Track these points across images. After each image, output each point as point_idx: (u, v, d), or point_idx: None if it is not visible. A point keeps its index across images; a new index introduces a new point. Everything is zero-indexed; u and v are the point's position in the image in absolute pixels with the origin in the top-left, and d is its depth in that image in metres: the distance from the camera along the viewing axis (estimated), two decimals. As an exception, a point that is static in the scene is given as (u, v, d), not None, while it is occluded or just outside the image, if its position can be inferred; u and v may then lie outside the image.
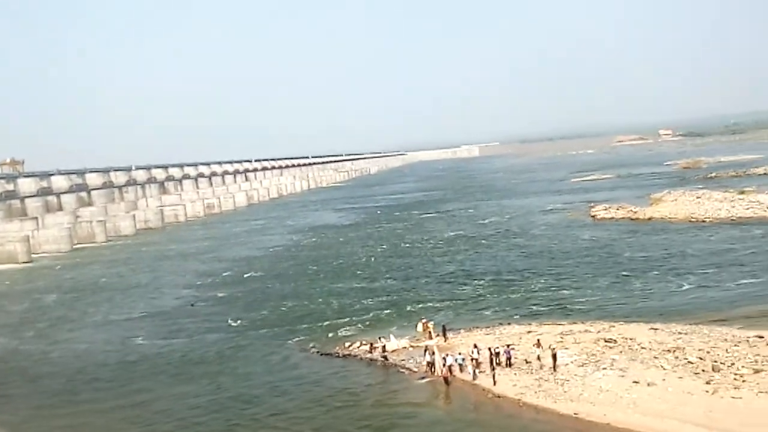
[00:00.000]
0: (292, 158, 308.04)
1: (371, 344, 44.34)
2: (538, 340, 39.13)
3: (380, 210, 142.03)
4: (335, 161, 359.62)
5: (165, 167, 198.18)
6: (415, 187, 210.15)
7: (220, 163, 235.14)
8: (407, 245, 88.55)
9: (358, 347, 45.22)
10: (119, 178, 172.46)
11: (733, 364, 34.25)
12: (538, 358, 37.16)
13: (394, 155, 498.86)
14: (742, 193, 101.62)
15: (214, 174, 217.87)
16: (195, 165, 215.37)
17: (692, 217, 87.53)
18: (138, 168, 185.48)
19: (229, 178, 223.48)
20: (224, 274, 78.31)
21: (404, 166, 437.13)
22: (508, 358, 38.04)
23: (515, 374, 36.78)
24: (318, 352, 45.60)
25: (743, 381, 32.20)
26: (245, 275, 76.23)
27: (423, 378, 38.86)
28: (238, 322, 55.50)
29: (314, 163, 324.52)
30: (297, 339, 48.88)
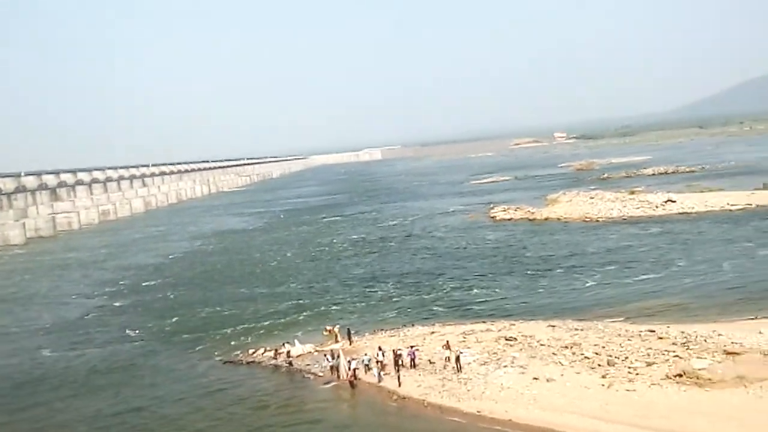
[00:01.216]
0: (191, 162, 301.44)
1: (276, 350, 43.90)
2: (448, 342, 39.65)
3: (285, 214, 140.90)
4: (237, 165, 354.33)
5: (57, 173, 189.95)
6: (318, 191, 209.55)
7: (115, 168, 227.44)
8: (313, 249, 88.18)
9: (263, 354, 44.65)
10: (7, 184, 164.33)
11: (627, 357, 35.58)
12: (448, 359, 37.55)
13: (297, 159, 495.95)
14: (633, 193, 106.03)
15: (109, 179, 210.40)
16: (89, 170, 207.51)
17: (586, 217, 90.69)
18: (28, 174, 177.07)
19: (125, 184, 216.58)
20: (126, 282, 76.00)
21: (306, 170, 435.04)
22: (413, 359, 38.34)
23: (420, 375, 37.10)
24: (222, 360, 44.78)
25: (637, 374, 33.50)
26: (148, 283, 74.13)
27: (328, 383, 38.69)
28: (143, 331, 53.97)
29: (215, 168, 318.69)
30: (201, 347, 47.91)
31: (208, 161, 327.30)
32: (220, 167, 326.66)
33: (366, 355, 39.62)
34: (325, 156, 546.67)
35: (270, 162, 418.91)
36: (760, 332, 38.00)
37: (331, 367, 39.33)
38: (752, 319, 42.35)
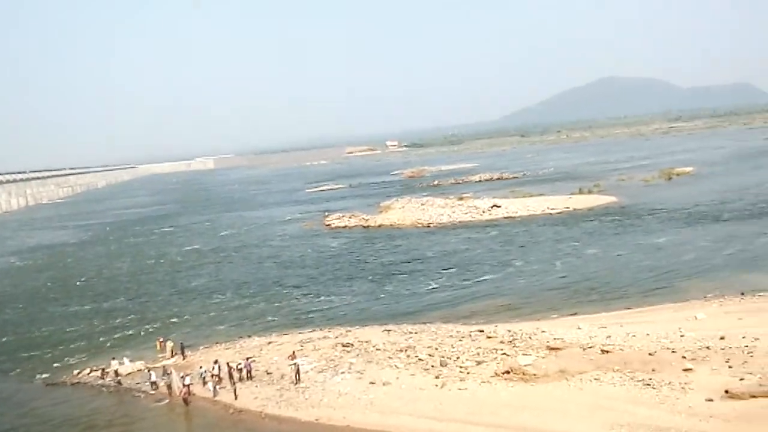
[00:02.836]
0: (3, 174, 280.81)
1: (103, 369, 41.78)
2: (294, 352, 39.32)
3: (114, 226, 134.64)
4: (57, 176, 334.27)
5: None
6: (149, 201, 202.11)
7: None
8: (146, 261, 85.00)
9: (89, 374, 42.42)
10: None
11: (458, 357, 36.79)
12: (293, 369, 36.96)
13: (125, 168, 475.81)
14: (461, 199, 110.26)
15: None
16: None
17: (418, 223, 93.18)
18: None
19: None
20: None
21: (135, 179, 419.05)
22: (249, 371, 37.74)
23: (257, 386, 36.56)
24: (46, 382, 42.08)
25: (468, 373, 34.71)
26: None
27: (161, 400, 37.25)
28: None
29: (33, 179, 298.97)
30: (22, 370, 44.87)
31: (25, 171, 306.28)
32: (38, 178, 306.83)
33: (201, 368, 38.56)
34: (155, 165, 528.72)
35: (95, 172, 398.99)
36: (579, 328, 40.57)
37: (164, 384, 37.94)
38: (573, 315, 45.18)
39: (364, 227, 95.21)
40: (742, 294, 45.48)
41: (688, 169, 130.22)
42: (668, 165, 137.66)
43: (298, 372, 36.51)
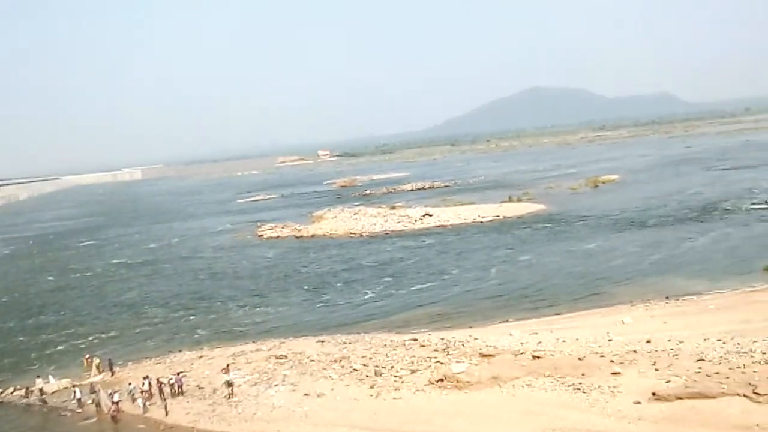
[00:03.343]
0: None
1: (27, 388, 40.35)
2: (228, 366, 38.70)
3: (37, 240, 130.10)
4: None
5: None
6: (75, 213, 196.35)
7: None
8: (73, 275, 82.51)
9: (12, 392, 40.92)
10: None
11: (392, 367, 36.85)
12: (228, 384, 36.33)
13: (48, 180, 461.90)
14: (393, 208, 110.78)
15: None
16: None
17: (351, 232, 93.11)
18: None
19: None
20: None
21: (60, 191, 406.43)
22: (180, 387, 36.98)
23: (188, 402, 35.86)
24: (-38, 404, 40.39)
25: (402, 382, 34.79)
26: None
27: (88, 419, 36.17)
28: None
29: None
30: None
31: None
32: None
33: (130, 384, 37.62)
34: (80, 176, 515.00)
35: (17, 183, 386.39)
36: (510, 334, 41.14)
37: (93, 402, 36.87)
38: (505, 322, 45.80)
39: (297, 237, 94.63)
40: (667, 298, 46.93)
41: (614, 177, 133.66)
42: (594, 173, 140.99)
43: (231, 386, 35.96)
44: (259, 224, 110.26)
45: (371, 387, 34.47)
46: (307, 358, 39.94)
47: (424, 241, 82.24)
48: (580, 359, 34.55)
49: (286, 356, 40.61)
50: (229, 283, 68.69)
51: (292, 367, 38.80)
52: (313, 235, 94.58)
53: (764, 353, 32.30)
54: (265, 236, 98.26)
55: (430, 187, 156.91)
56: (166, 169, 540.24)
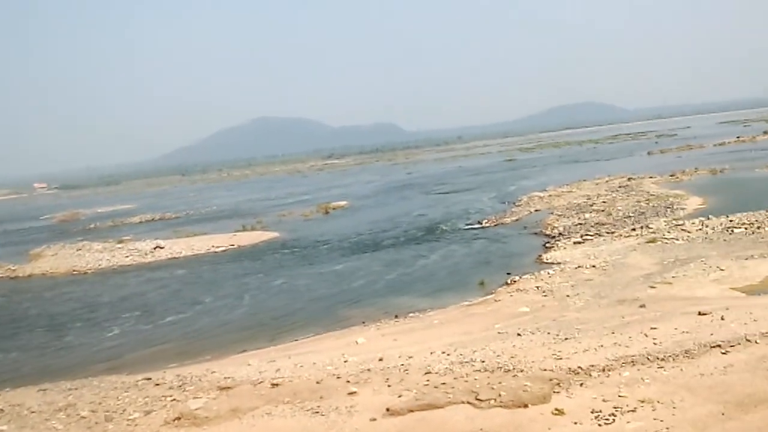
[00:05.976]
0: None
1: None
2: None
3: None
4: None
5: None
6: None
7: None
8: None
9: None
10: None
11: (125, 410, 34.69)
12: None
13: None
14: (121, 242, 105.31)
15: None
16: None
17: (74, 270, 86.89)
18: None
19: None
20: None
21: None
22: None
23: None
24: None
25: (136, 425, 32.83)
26: None
27: None
28: None
29: None
30: None
31: None
32: None
33: None
34: None
35: None
36: (249, 364, 40.68)
37: None
38: (242, 352, 45.24)
39: (12, 278, 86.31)
40: (396, 316, 49.38)
41: (343, 203, 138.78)
42: (325, 200, 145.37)
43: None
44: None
45: (93, 433, 32.21)
46: (27, 409, 36.38)
47: (182, 271, 79.49)
48: (318, 383, 35.04)
49: (2, 410, 36.67)
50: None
51: (9, 421, 35.07)
52: (30, 275, 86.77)
53: (483, 361, 35.02)
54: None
55: (160, 219, 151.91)
56: None
